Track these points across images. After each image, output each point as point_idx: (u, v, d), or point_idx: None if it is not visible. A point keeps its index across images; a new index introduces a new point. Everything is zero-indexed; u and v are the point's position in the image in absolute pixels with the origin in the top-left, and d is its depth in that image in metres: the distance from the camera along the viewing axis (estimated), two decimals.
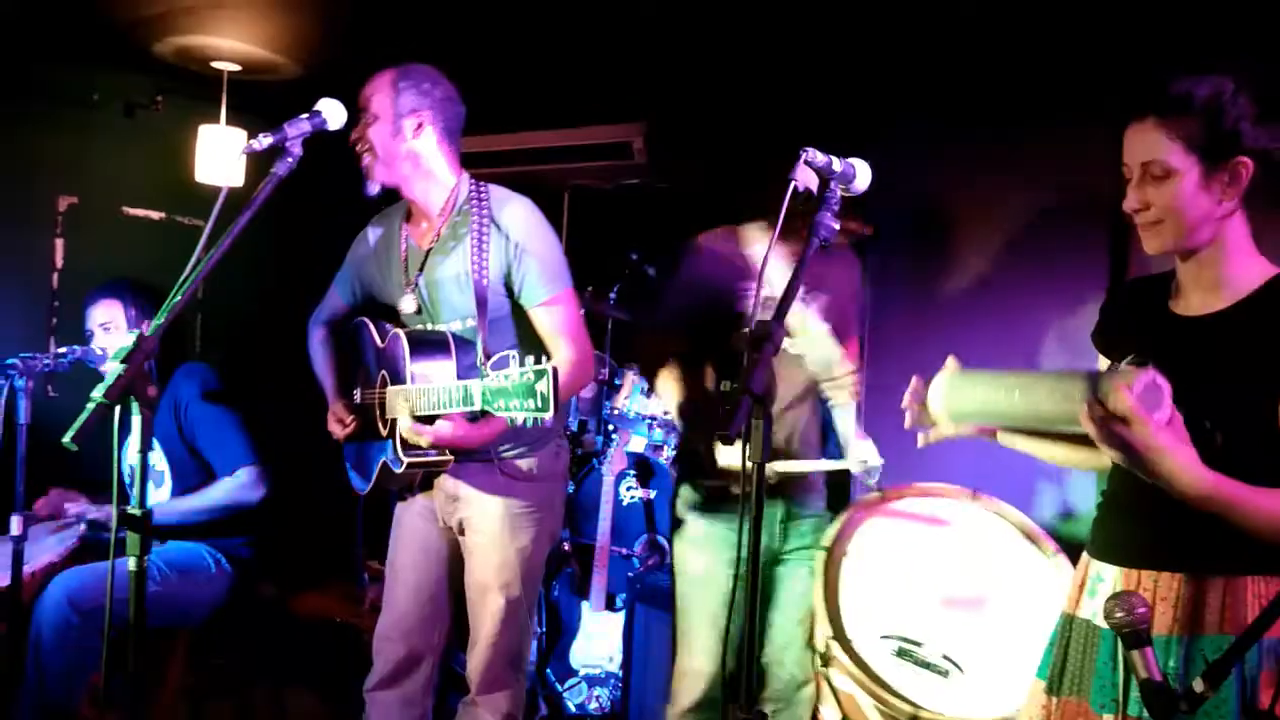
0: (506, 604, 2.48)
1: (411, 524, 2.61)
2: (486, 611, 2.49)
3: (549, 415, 1.93)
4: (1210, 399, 1.60)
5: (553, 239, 2.47)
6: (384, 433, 2.45)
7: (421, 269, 2.47)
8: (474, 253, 2.38)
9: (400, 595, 2.58)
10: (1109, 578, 1.72)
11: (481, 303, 2.39)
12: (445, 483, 2.51)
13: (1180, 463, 1.50)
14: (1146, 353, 1.69)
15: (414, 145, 2.41)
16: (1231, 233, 1.65)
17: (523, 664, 2.60)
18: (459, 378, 2.31)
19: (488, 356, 2.34)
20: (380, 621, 2.61)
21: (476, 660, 2.52)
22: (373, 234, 2.65)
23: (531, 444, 2.49)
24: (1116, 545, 1.75)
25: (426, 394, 2.25)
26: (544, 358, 1.98)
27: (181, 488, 3.13)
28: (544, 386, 1.93)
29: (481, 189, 2.46)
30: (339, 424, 2.60)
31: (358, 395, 2.63)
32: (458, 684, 2.72)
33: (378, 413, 2.49)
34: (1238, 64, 1.68)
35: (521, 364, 1.99)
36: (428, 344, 2.38)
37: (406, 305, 2.51)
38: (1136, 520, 1.70)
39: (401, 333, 2.40)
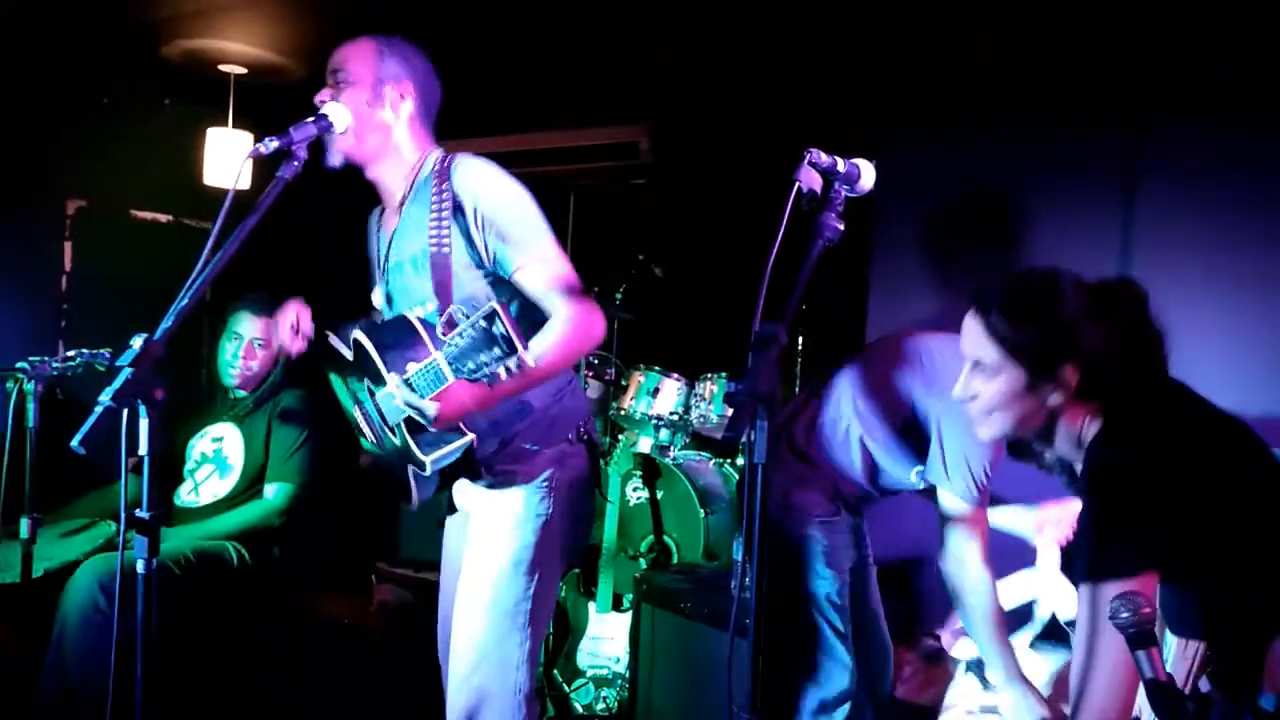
0: (495, 636, 2.16)
1: (450, 540, 2.45)
2: (469, 644, 2.18)
3: (520, 354, 1.72)
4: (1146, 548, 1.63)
5: (519, 191, 2.16)
6: (396, 441, 2.21)
7: (388, 256, 2.28)
8: (431, 226, 2.14)
9: (446, 612, 2.38)
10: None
11: (442, 281, 2.14)
12: (466, 493, 2.30)
13: None
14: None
15: (388, 116, 2.22)
16: (1065, 417, 1.66)
17: (527, 699, 2.22)
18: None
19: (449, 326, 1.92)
20: (439, 631, 2.43)
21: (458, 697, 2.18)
22: (370, 225, 2.47)
23: (540, 446, 2.22)
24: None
25: (402, 388, 1.98)
26: (490, 301, 1.77)
27: (245, 481, 3.26)
28: (499, 328, 1.74)
29: (446, 160, 2.21)
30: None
31: (364, 425, 2.35)
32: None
33: (383, 423, 2.24)
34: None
35: (466, 315, 1.79)
36: (392, 331, 2.16)
37: (377, 298, 2.34)
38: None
39: (360, 335, 2.18)
